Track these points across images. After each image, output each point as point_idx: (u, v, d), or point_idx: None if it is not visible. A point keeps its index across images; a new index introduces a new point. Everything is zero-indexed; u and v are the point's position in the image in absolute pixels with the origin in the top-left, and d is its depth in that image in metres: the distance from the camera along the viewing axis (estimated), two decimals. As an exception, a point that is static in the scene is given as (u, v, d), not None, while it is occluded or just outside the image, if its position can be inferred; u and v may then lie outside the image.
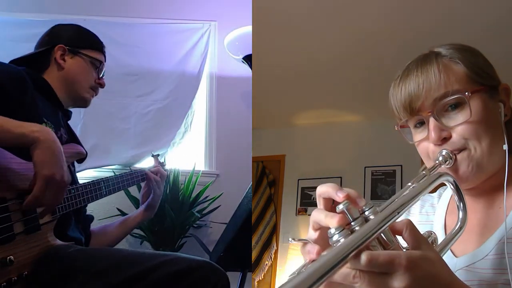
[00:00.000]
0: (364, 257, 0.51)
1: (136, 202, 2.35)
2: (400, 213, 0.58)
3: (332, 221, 0.56)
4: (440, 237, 0.77)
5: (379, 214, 0.56)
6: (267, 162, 3.78)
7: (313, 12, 2.28)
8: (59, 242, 1.03)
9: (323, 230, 0.61)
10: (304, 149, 3.68)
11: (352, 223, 0.55)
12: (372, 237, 0.53)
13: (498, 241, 0.70)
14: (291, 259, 3.26)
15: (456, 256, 0.76)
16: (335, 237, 0.54)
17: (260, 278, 3.35)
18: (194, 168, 2.54)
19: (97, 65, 1.36)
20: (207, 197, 2.52)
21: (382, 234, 0.56)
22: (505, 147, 0.72)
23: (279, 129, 3.82)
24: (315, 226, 0.61)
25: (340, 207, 0.56)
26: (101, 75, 1.39)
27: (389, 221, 0.56)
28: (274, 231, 3.54)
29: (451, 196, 0.87)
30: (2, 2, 2.64)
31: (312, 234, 0.62)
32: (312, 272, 0.48)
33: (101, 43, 1.41)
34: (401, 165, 3.31)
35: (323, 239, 0.59)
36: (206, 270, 0.96)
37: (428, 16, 2.25)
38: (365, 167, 3.40)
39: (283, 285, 0.47)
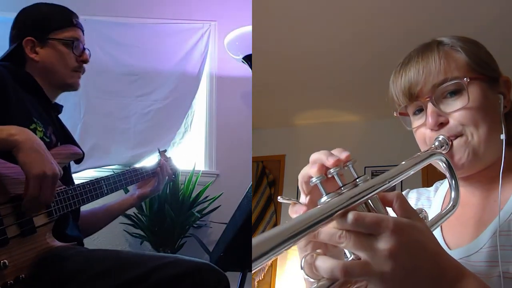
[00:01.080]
0: (351, 216, 0.51)
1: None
2: (390, 182, 0.58)
3: (312, 170, 0.58)
4: (436, 230, 0.76)
5: (368, 181, 0.57)
6: (267, 162, 3.78)
7: (313, 12, 2.28)
8: (58, 243, 1.02)
9: (313, 195, 0.62)
10: (304, 149, 3.67)
11: (342, 188, 0.56)
12: (360, 200, 0.54)
13: (492, 234, 0.70)
14: (291, 259, 3.26)
15: (450, 249, 0.76)
16: (324, 199, 0.55)
17: (260, 278, 3.35)
18: (194, 168, 2.53)
19: (71, 44, 1.25)
20: (207, 197, 2.52)
21: (371, 203, 0.56)
22: (503, 136, 0.72)
23: (279, 129, 3.83)
24: (304, 189, 0.63)
25: (331, 171, 0.58)
26: (81, 51, 1.28)
27: (378, 188, 0.56)
28: (274, 231, 3.53)
29: (447, 190, 0.86)
30: (2, 2, 2.64)
31: (303, 199, 0.63)
32: (294, 223, 0.48)
33: (70, 15, 1.28)
34: (401, 165, 3.31)
35: (313, 204, 0.60)
36: (206, 272, 0.96)
37: (429, 17, 2.25)
38: (365, 167, 3.40)
39: (265, 232, 0.47)
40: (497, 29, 2.28)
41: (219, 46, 2.84)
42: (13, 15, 1.35)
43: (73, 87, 1.29)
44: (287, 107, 3.51)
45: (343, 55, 2.68)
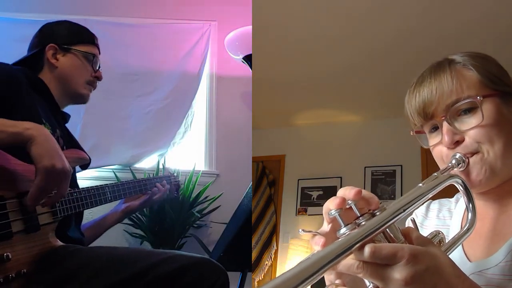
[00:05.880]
0: (367, 249, 0.53)
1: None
2: (406, 210, 0.60)
3: (332, 203, 0.61)
4: None
5: (386, 211, 0.59)
6: (267, 162, 3.78)
7: (313, 12, 2.28)
8: (60, 243, 1.03)
9: (334, 223, 0.64)
10: (304, 149, 3.68)
11: (360, 218, 0.58)
12: (377, 231, 0.56)
13: (510, 249, 0.71)
14: (291, 259, 3.26)
15: (470, 261, 0.76)
16: (342, 231, 0.57)
17: (260, 278, 3.35)
18: (194, 168, 2.54)
19: (91, 58, 1.35)
20: (207, 197, 2.52)
21: (389, 231, 0.58)
22: None
23: (279, 129, 3.83)
24: (327, 219, 0.65)
25: (349, 202, 0.60)
26: (97, 68, 1.37)
27: (395, 217, 0.58)
28: (274, 231, 3.54)
29: None
30: (2, 2, 2.65)
31: (325, 227, 0.65)
32: (314, 261, 0.50)
33: (93, 35, 1.39)
34: (401, 165, 3.31)
35: (335, 232, 0.62)
36: (205, 267, 0.97)
37: (430, 28, 2.26)
38: (365, 167, 3.40)
39: (287, 271, 0.49)
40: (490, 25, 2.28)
41: (219, 46, 2.84)
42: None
43: (83, 98, 1.36)
44: (287, 107, 3.51)
45: (344, 55, 2.68)
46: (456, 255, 0.73)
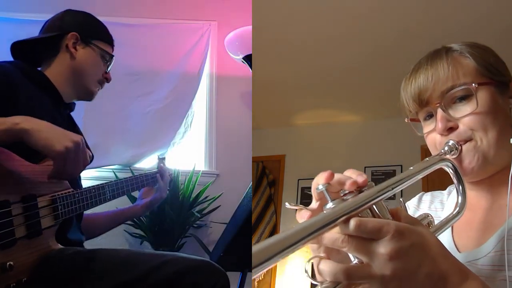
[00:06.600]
0: (353, 222, 0.53)
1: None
2: (394, 189, 0.60)
3: (320, 178, 0.61)
4: (447, 233, 0.78)
5: (373, 188, 0.59)
6: (267, 162, 3.78)
7: (314, 12, 2.28)
8: (59, 246, 1.01)
9: (322, 201, 0.64)
10: (304, 149, 3.68)
11: (348, 195, 0.58)
12: (363, 207, 0.55)
13: (500, 239, 0.70)
14: (291, 259, 3.26)
15: (459, 251, 0.76)
16: (329, 205, 0.57)
17: (260, 278, 3.35)
18: (194, 168, 2.54)
19: (107, 58, 1.33)
20: (207, 197, 2.52)
21: (376, 209, 0.57)
22: None
23: (279, 129, 3.83)
24: (315, 195, 0.65)
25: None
26: (108, 69, 1.35)
27: (382, 194, 0.58)
28: (274, 231, 3.53)
29: None
30: (2, 2, 2.64)
31: (313, 204, 0.66)
32: (296, 230, 0.50)
33: (111, 36, 1.37)
34: (401, 165, 3.31)
35: (322, 209, 0.61)
36: (205, 270, 0.96)
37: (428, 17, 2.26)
38: (365, 167, 3.40)
39: (268, 239, 0.48)
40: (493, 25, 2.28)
41: (219, 46, 2.84)
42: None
43: (91, 95, 1.34)
44: (287, 107, 3.51)
45: (344, 55, 2.68)
46: (445, 245, 0.73)
